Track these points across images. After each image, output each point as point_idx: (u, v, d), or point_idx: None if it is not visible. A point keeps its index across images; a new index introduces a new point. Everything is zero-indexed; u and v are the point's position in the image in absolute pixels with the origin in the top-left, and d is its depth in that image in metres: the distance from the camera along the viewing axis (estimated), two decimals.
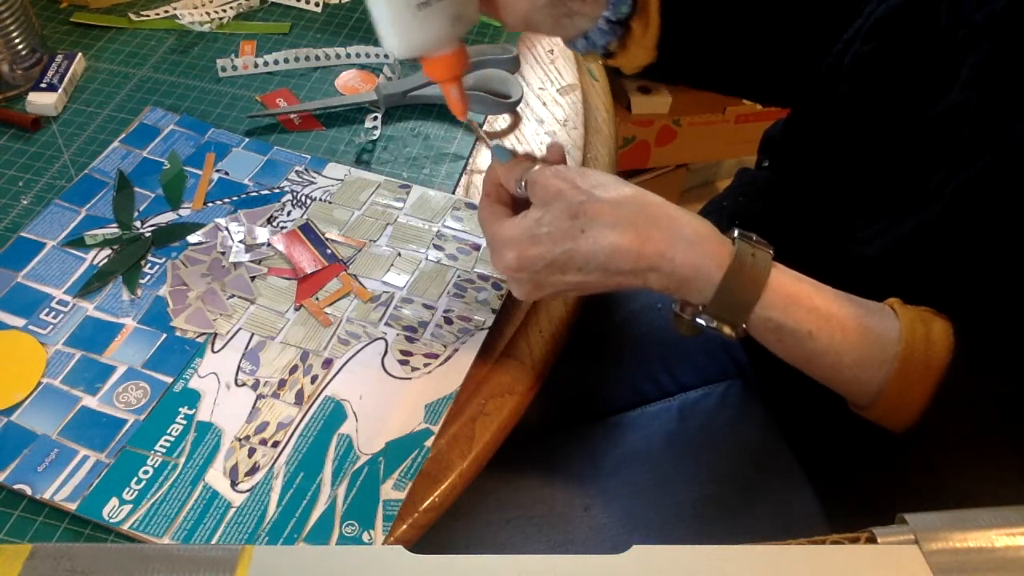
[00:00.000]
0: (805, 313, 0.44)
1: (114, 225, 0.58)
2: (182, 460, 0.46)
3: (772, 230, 0.61)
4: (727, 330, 0.45)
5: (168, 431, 0.48)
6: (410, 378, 0.51)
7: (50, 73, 0.67)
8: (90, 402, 0.49)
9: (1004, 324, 0.44)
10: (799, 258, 0.57)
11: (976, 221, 0.45)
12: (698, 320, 0.45)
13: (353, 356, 0.52)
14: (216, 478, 0.46)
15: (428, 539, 0.46)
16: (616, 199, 0.45)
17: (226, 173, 0.63)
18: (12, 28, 0.66)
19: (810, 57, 0.58)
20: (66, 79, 0.67)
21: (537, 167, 0.48)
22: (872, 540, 0.29)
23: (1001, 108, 0.44)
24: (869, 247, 0.51)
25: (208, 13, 0.76)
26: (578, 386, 0.69)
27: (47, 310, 0.53)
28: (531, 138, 0.68)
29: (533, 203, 0.47)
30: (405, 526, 0.45)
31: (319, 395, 0.50)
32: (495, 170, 0.50)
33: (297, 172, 0.63)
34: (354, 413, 0.49)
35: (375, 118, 0.68)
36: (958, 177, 0.45)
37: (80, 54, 0.70)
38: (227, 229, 0.59)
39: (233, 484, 0.46)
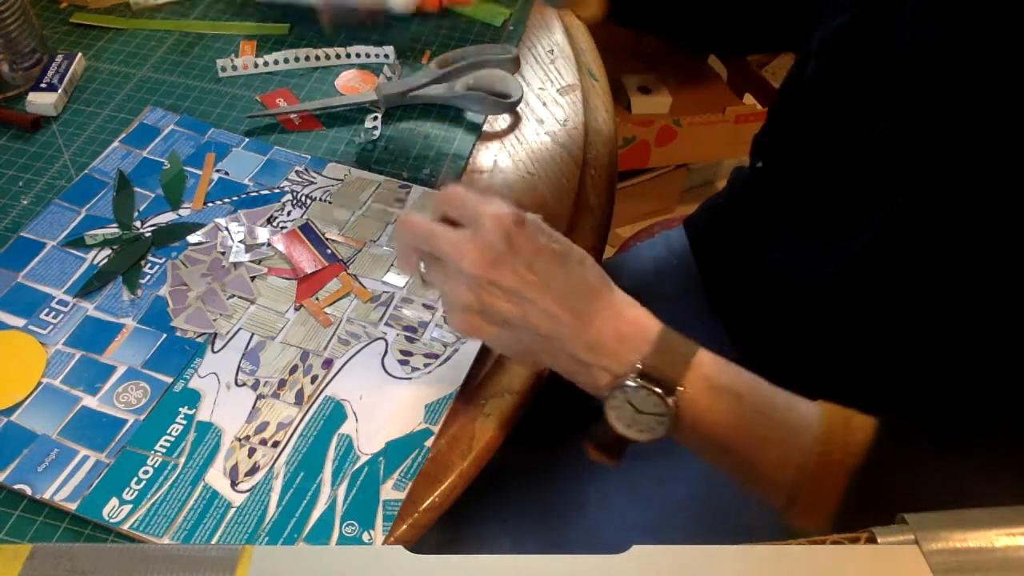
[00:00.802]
0: (735, 374, 0.44)
1: (114, 225, 0.58)
2: (182, 460, 0.46)
3: (765, 231, 0.61)
4: (665, 399, 0.42)
5: (168, 431, 0.48)
6: (410, 378, 0.51)
7: (50, 73, 0.67)
8: (90, 402, 0.49)
9: (947, 347, 0.44)
10: (787, 261, 0.57)
11: (899, 255, 0.45)
12: (628, 384, 0.42)
13: (353, 356, 0.52)
14: (216, 478, 0.46)
15: (428, 539, 0.46)
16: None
17: (226, 173, 0.63)
18: (12, 28, 0.66)
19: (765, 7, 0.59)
20: (66, 79, 0.67)
21: None
22: (872, 540, 0.29)
23: (922, 138, 0.44)
24: (826, 265, 0.51)
25: None
26: (577, 389, 0.69)
27: (47, 310, 0.53)
28: (531, 138, 0.68)
29: None
30: (405, 526, 0.45)
31: (319, 395, 0.50)
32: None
33: (297, 172, 0.63)
34: (354, 413, 0.49)
35: (375, 118, 0.68)
36: (880, 214, 0.46)
37: (80, 54, 0.70)
38: (227, 229, 0.59)
39: (233, 484, 0.46)
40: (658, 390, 0.42)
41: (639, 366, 0.42)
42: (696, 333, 0.71)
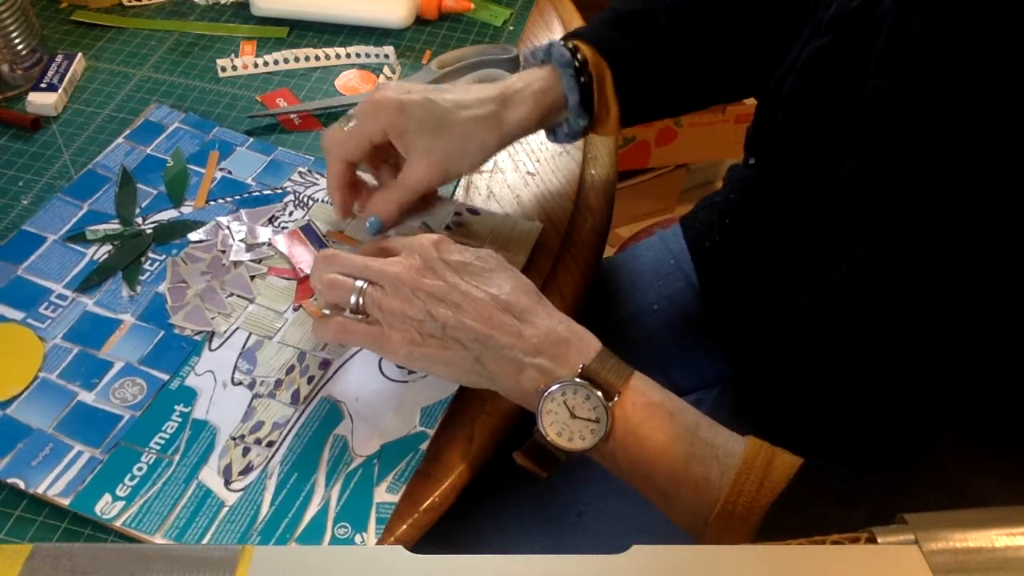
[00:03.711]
0: (668, 396, 0.45)
1: (116, 221, 0.58)
2: (176, 457, 0.46)
3: (761, 228, 0.61)
4: (603, 402, 0.42)
5: (163, 428, 0.47)
6: (407, 381, 0.51)
7: (50, 73, 0.67)
8: (86, 397, 0.49)
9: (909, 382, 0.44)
10: (783, 256, 0.57)
11: (868, 298, 0.45)
12: (569, 382, 0.43)
13: (351, 358, 0.52)
14: (210, 476, 0.46)
15: (428, 539, 0.46)
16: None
17: (229, 172, 0.63)
18: (12, 28, 0.66)
19: (766, 59, 0.60)
20: (66, 79, 0.67)
21: None
22: (872, 540, 0.29)
23: (884, 189, 0.44)
24: (798, 295, 0.51)
25: None
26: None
27: (46, 304, 0.53)
28: (531, 138, 0.68)
29: None
30: (405, 526, 0.45)
31: (315, 396, 0.50)
32: None
33: (300, 173, 0.63)
34: (350, 415, 0.49)
35: None
36: (850, 257, 0.46)
37: (80, 54, 0.70)
38: (228, 228, 0.58)
39: (227, 483, 0.46)
40: (598, 392, 0.42)
41: (580, 368, 0.43)
42: (690, 333, 0.71)
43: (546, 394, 0.43)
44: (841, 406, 0.51)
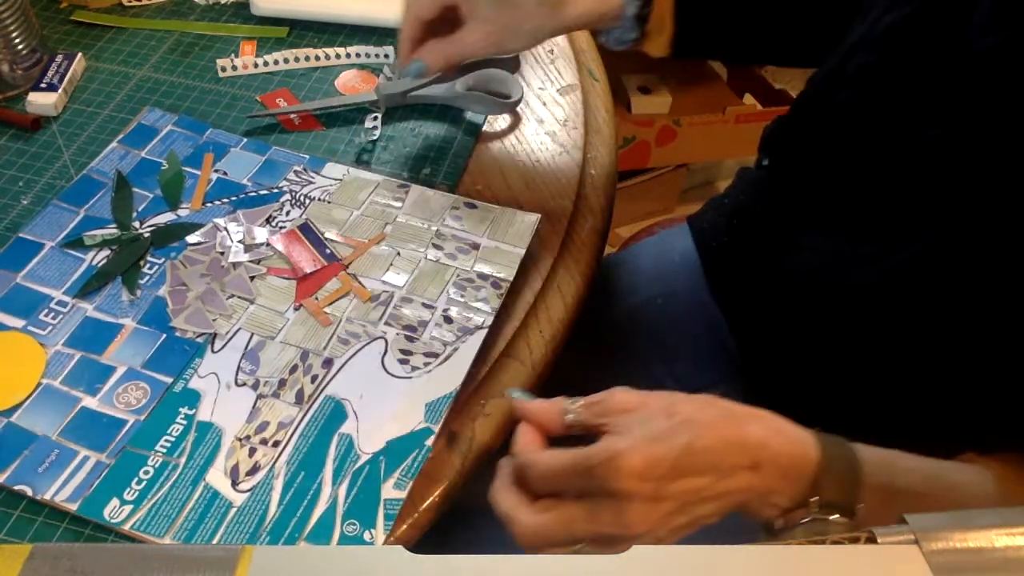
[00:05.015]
0: (906, 470, 0.41)
1: (113, 226, 0.58)
2: (183, 460, 0.46)
3: (771, 232, 0.61)
4: (849, 523, 0.39)
5: (168, 431, 0.48)
6: (410, 377, 0.51)
7: (50, 73, 0.67)
8: (90, 403, 0.49)
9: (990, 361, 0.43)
10: (814, 262, 0.56)
11: (968, 263, 0.44)
12: (809, 517, 0.40)
13: (353, 356, 0.52)
14: (217, 478, 0.46)
15: (428, 539, 0.46)
16: (699, 399, 0.42)
17: (225, 173, 0.63)
18: (12, 28, 0.66)
19: (825, 23, 0.59)
20: (66, 79, 0.67)
21: (584, 400, 0.44)
22: (872, 540, 0.29)
23: (994, 147, 0.43)
24: (863, 273, 0.50)
25: None
26: (578, 387, 0.69)
27: (46, 311, 0.53)
28: (531, 138, 0.68)
29: (607, 423, 0.42)
30: (405, 526, 0.45)
31: (319, 395, 0.50)
32: (527, 412, 0.45)
33: (296, 172, 0.63)
34: (354, 412, 0.49)
35: (375, 118, 0.68)
36: (952, 218, 0.44)
37: (80, 54, 0.70)
38: (226, 229, 0.59)
39: (234, 484, 0.46)
40: (841, 518, 0.40)
41: (814, 499, 0.40)
42: (694, 328, 0.71)
43: (789, 530, 0.40)
44: (863, 401, 0.51)
